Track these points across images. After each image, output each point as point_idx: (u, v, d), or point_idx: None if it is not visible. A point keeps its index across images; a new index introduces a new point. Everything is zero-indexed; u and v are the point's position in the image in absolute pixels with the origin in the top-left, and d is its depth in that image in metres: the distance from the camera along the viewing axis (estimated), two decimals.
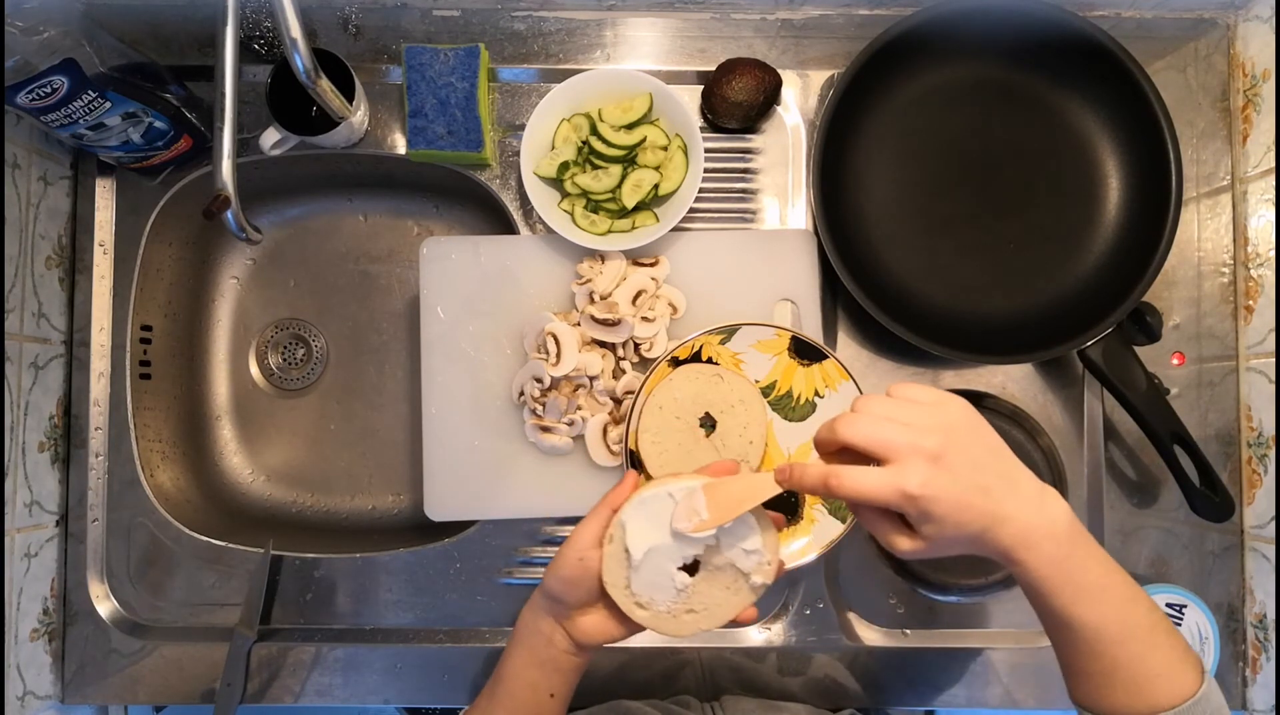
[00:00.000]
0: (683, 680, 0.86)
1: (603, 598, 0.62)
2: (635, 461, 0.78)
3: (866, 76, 0.81)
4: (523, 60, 0.88)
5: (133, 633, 0.85)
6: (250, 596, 0.85)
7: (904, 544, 0.53)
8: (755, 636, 0.86)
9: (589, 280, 0.82)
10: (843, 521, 0.79)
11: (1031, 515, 0.51)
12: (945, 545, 0.52)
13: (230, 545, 0.86)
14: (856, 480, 0.51)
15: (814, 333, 0.82)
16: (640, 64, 0.88)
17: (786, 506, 0.80)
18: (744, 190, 0.87)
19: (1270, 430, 0.83)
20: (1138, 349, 0.80)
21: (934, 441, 0.50)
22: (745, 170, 0.87)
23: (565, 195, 0.84)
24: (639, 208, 0.82)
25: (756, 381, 0.80)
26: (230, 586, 0.86)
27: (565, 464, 0.83)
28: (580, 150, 0.83)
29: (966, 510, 0.50)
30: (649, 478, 0.76)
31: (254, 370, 0.98)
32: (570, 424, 0.81)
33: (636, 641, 0.85)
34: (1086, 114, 0.84)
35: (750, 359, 0.80)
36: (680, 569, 0.61)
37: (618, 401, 0.82)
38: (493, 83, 0.87)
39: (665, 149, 0.82)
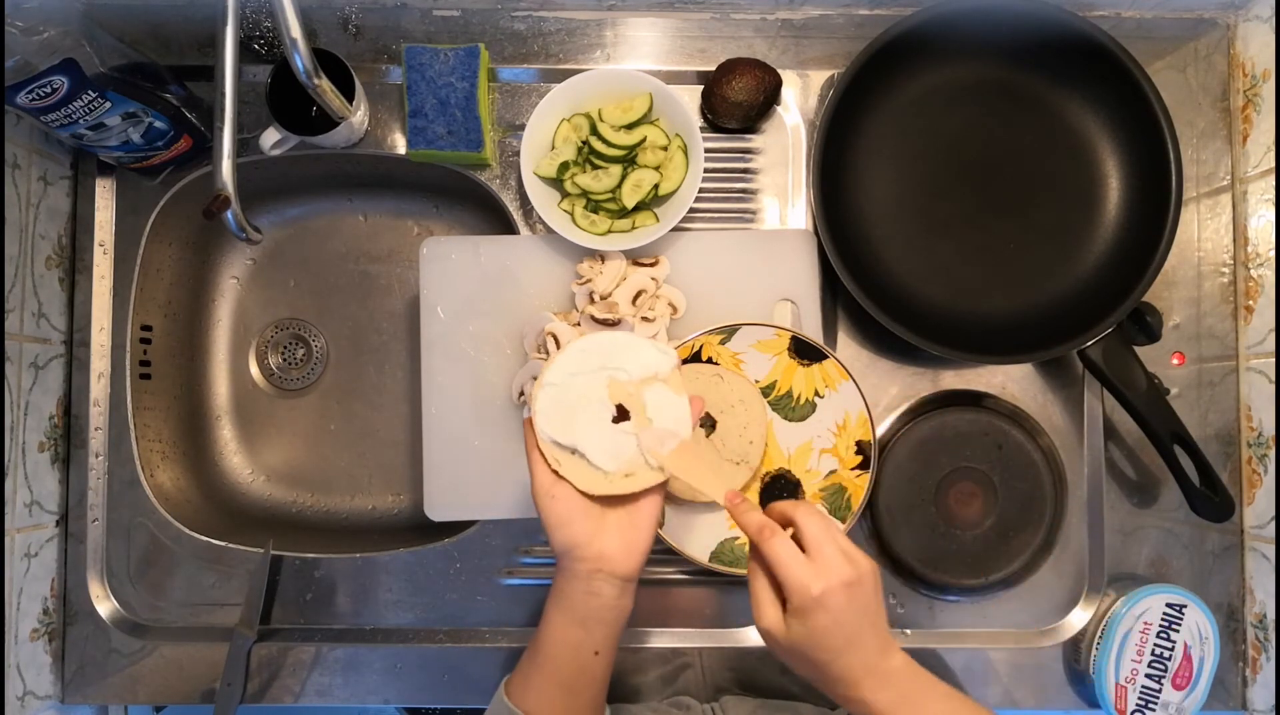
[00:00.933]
0: (682, 681, 0.86)
1: (606, 512, 0.63)
2: None
3: (866, 76, 0.81)
4: (523, 60, 0.88)
5: (133, 633, 0.85)
6: (250, 596, 0.85)
7: (768, 619, 0.59)
8: (755, 636, 0.86)
9: (589, 280, 0.82)
10: (842, 521, 0.79)
11: (879, 667, 0.58)
12: (795, 652, 0.58)
13: (230, 545, 0.86)
14: (782, 549, 0.58)
15: (814, 333, 0.82)
16: (640, 64, 0.88)
17: None
18: (744, 190, 0.87)
19: (1270, 430, 0.83)
20: (1138, 349, 0.80)
21: (852, 572, 0.57)
22: (745, 170, 0.87)
23: (565, 195, 0.84)
24: (639, 208, 0.82)
25: (756, 381, 0.80)
26: (230, 586, 0.86)
27: None
28: (580, 150, 0.83)
29: (837, 636, 0.57)
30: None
31: (254, 370, 0.98)
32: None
33: (636, 641, 0.85)
34: (1086, 114, 0.84)
35: (750, 359, 0.80)
36: (617, 421, 0.63)
37: None
38: (493, 83, 0.87)
39: (665, 149, 0.82)
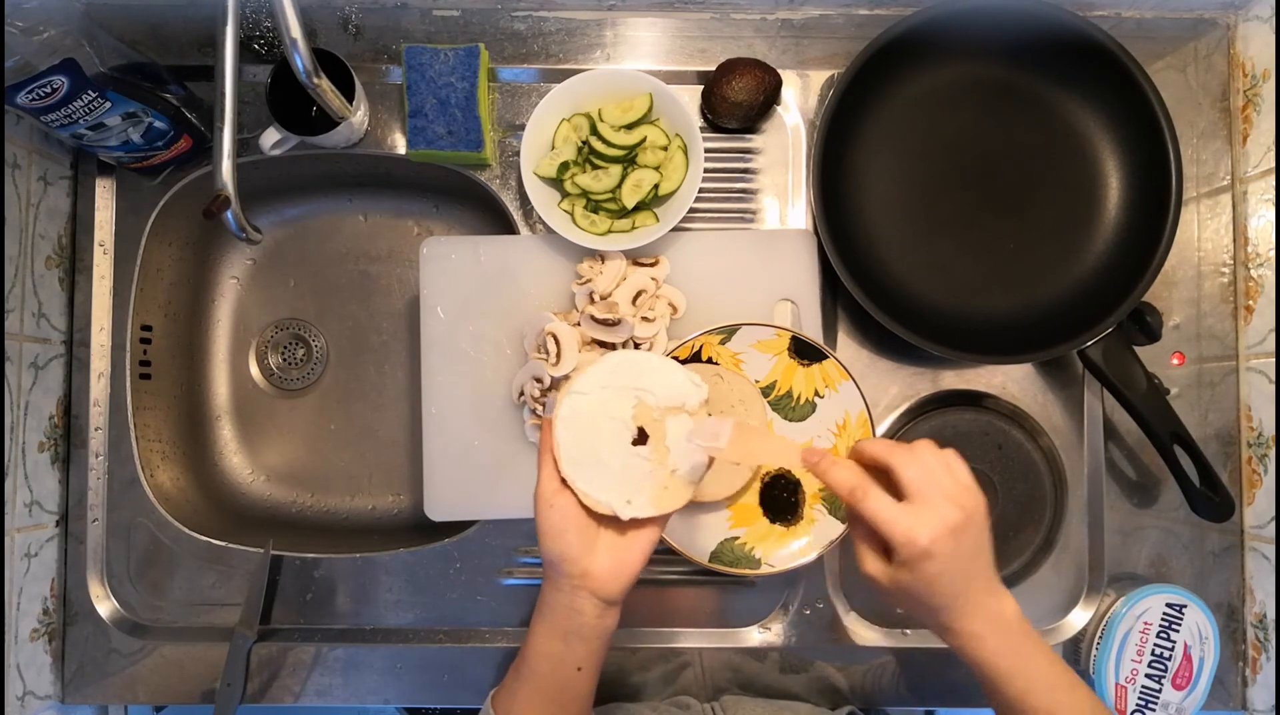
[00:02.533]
0: (682, 681, 0.86)
1: (601, 531, 0.62)
2: None
3: (866, 76, 0.81)
4: (523, 60, 0.88)
5: (133, 633, 0.85)
6: (250, 596, 0.85)
7: (873, 567, 0.58)
8: (755, 636, 0.86)
9: (589, 280, 0.82)
10: (843, 522, 0.79)
11: (992, 609, 0.57)
12: (906, 597, 0.57)
13: (230, 545, 0.86)
14: (879, 504, 0.55)
15: (814, 333, 0.82)
16: (640, 64, 0.88)
17: (787, 507, 0.80)
18: (744, 190, 0.87)
19: (1270, 430, 0.83)
20: (1138, 349, 0.80)
21: (959, 516, 0.55)
22: (745, 170, 0.87)
23: (565, 195, 0.84)
24: (639, 208, 0.82)
25: (756, 381, 0.80)
26: (230, 586, 0.86)
27: None
28: (580, 150, 0.83)
29: (948, 583, 0.56)
30: None
31: (254, 370, 0.98)
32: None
33: (636, 641, 0.85)
34: (1086, 114, 0.84)
35: (750, 359, 0.80)
36: (636, 443, 0.62)
37: None
38: (493, 83, 0.87)
39: (665, 149, 0.82)
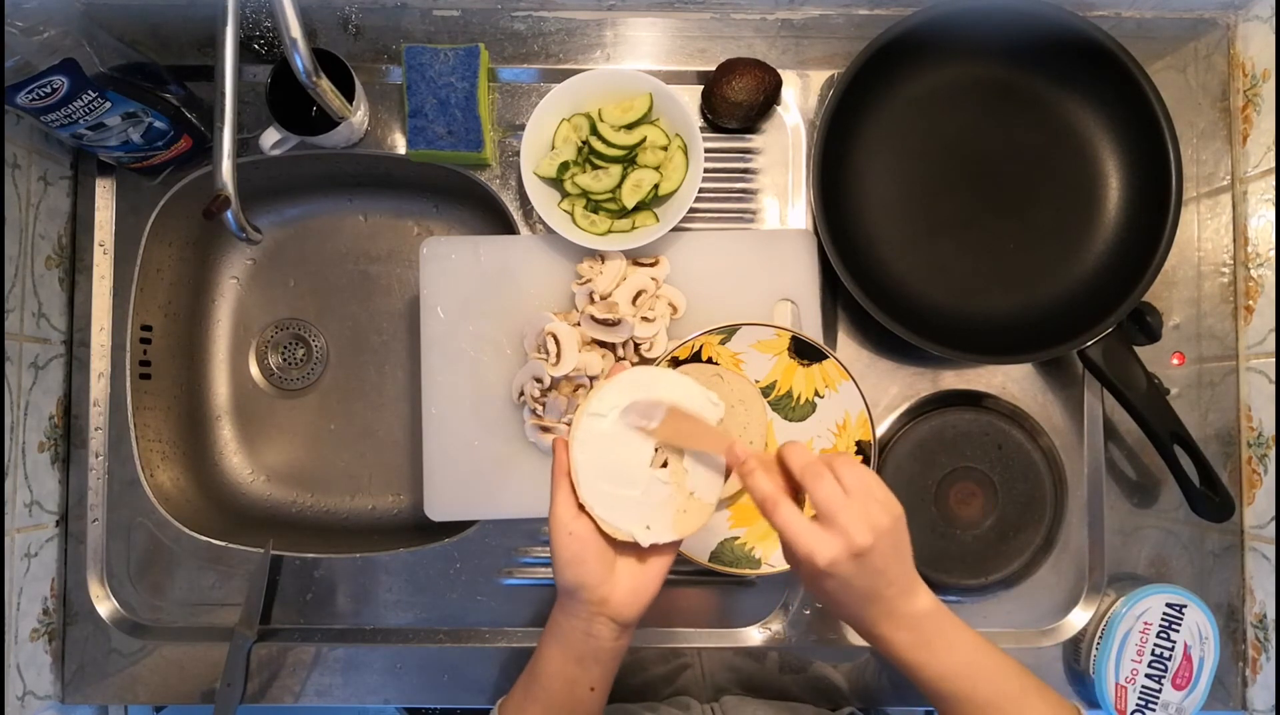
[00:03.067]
0: (682, 681, 0.86)
1: (618, 557, 0.61)
2: None
3: (866, 76, 0.81)
4: (523, 60, 0.88)
5: (133, 633, 0.85)
6: (250, 596, 0.85)
7: (796, 569, 0.59)
8: (755, 636, 0.86)
9: (589, 280, 0.82)
10: None
11: (901, 610, 0.58)
12: (818, 599, 0.61)
13: (230, 545, 0.86)
14: (787, 519, 0.56)
15: (814, 333, 0.82)
16: (640, 64, 0.88)
17: None
18: (744, 190, 0.87)
19: (1270, 430, 0.83)
20: (1138, 349, 0.80)
21: (865, 539, 0.55)
22: (745, 170, 0.87)
23: (565, 195, 0.84)
24: (639, 208, 0.82)
25: (756, 381, 0.80)
26: (230, 586, 0.86)
27: None
28: (580, 150, 0.83)
29: (847, 598, 0.57)
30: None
31: (254, 370, 0.98)
32: (570, 424, 0.81)
33: (636, 641, 0.85)
34: (1086, 114, 0.84)
35: (750, 359, 0.80)
36: (657, 467, 0.61)
37: None
38: (493, 83, 0.87)
39: (665, 149, 0.82)
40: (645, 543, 0.60)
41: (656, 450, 0.61)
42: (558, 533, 0.60)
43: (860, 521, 0.55)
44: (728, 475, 0.63)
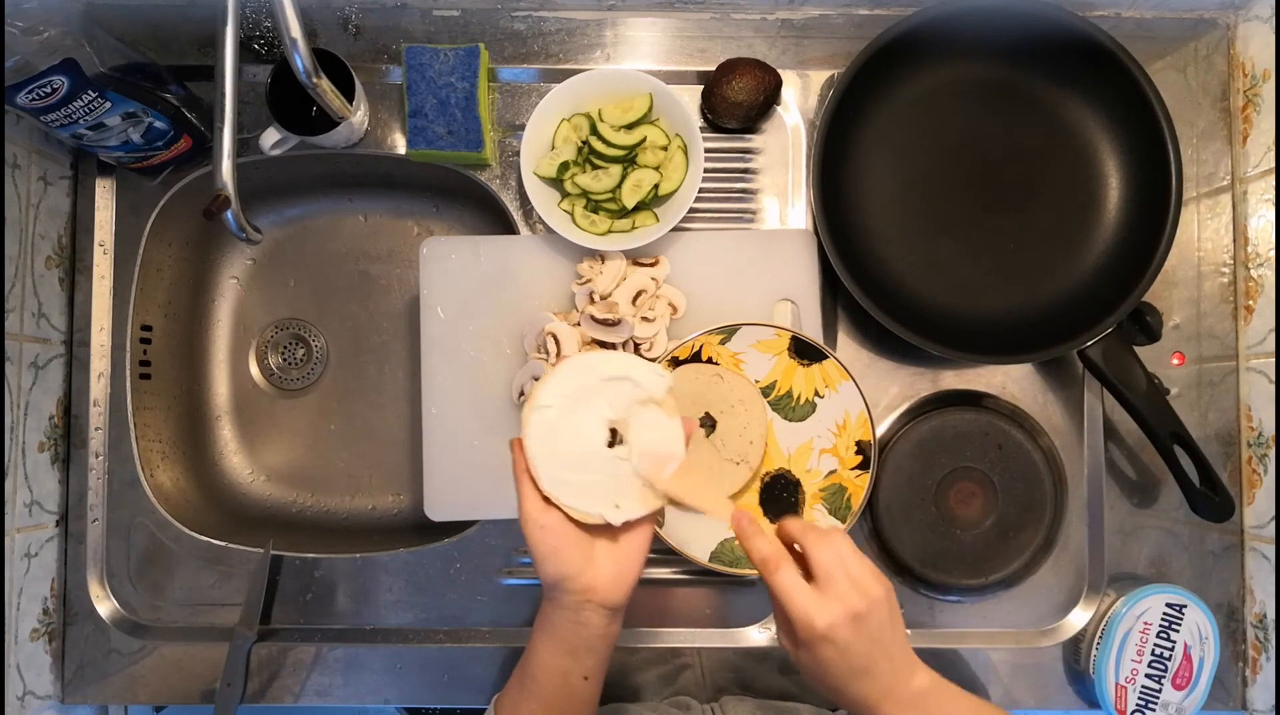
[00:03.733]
0: (682, 681, 0.86)
1: (595, 542, 0.61)
2: None
3: (866, 76, 0.81)
4: (523, 60, 0.88)
5: (133, 633, 0.85)
6: (250, 596, 0.85)
7: (784, 640, 0.59)
8: (755, 636, 0.86)
9: (589, 280, 0.82)
10: (842, 521, 0.79)
11: (900, 688, 0.57)
12: (806, 674, 0.58)
13: (230, 545, 0.86)
14: (787, 581, 0.56)
15: (814, 333, 0.82)
16: (640, 64, 0.88)
17: (787, 507, 0.80)
18: (744, 190, 0.87)
19: (1270, 430, 0.83)
20: (1138, 349, 0.80)
21: (861, 604, 0.55)
22: (745, 170, 0.87)
23: (565, 195, 0.84)
24: (639, 208, 0.82)
25: (756, 381, 0.80)
26: (230, 586, 0.86)
27: None
28: (580, 150, 0.83)
29: (844, 667, 0.56)
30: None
31: (254, 370, 0.98)
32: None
33: (637, 642, 0.85)
34: (1086, 114, 0.84)
35: (750, 359, 0.80)
36: (611, 445, 0.61)
37: None
38: (493, 83, 0.87)
39: (665, 149, 0.82)
40: (617, 522, 0.60)
41: (611, 431, 0.61)
42: (529, 529, 0.60)
43: (858, 584, 0.56)
44: (687, 442, 0.63)
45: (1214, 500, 0.79)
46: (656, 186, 0.82)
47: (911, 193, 0.85)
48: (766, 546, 0.58)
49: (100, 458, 0.86)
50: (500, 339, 0.84)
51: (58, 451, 0.85)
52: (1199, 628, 0.81)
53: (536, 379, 0.80)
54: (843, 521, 0.79)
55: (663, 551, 0.80)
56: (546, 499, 0.60)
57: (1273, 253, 0.84)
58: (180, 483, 0.92)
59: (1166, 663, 0.81)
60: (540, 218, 0.80)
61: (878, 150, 0.85)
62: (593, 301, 0.81)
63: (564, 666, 0.61)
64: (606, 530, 0.61)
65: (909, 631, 0.85)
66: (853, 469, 0.80)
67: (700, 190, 0.81)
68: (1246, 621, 0.86)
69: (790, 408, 0.81)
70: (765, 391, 0.80)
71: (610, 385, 0.62)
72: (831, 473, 0.80)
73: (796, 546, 0.59)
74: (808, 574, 0.57)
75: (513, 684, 0.64)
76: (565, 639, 0.61)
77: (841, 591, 0.55)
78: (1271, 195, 0.83)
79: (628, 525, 0.61)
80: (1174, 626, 0.81)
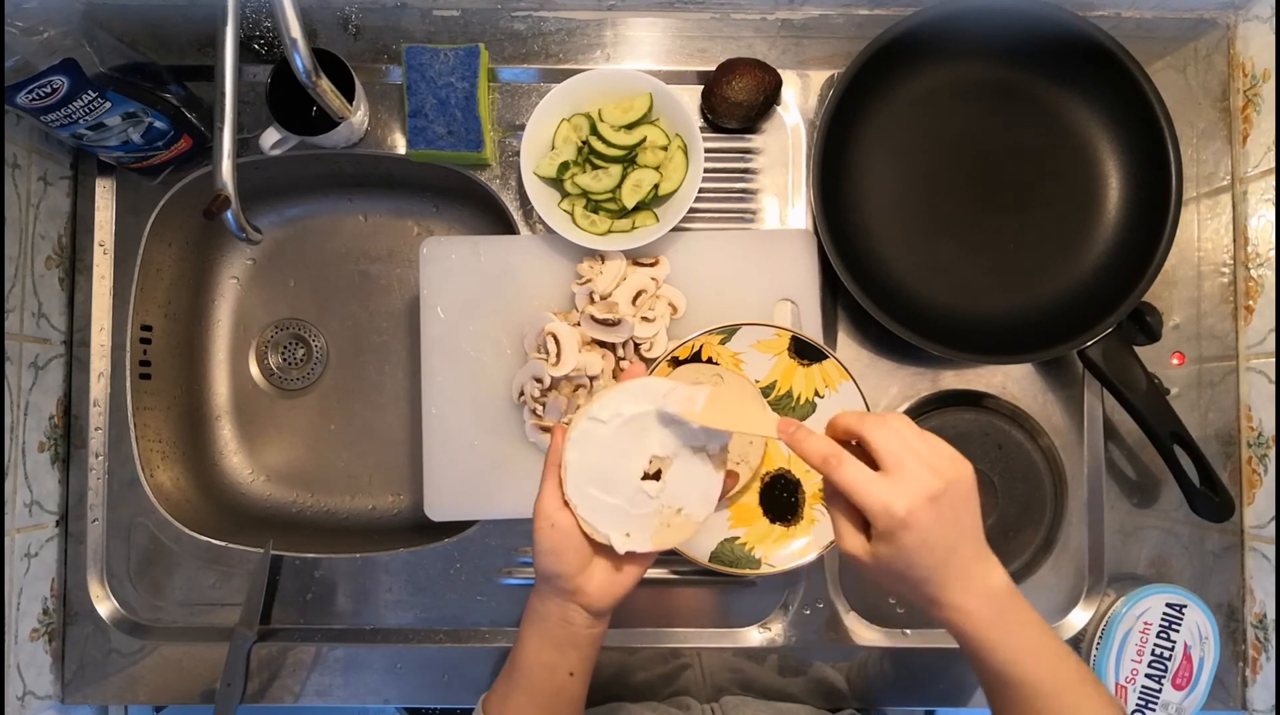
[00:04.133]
0: (682, 681, 0.86)
1: (597, 552, 0.61)
2: None
3: (866, 76, 0.81)
4: (523, 60, 0.88)
5: (133, 633, 0.85)
6: (250, 596, 0.85)
7: (852, 544, 0.55)
8: (755, 636, 0.86)
9: (589, 280, 0.82)
10: None
11: (978, 579, 0.55)
12: (887, 573, 0.54)
13: (230, 545, 0.86)
14: (853, 473, 0.53)
15: (814, 333, 0.82)
16: (640, 64, 0.88)
17: (787, 507, 0.80)
18: (744, 190, 0.87)
19: (1270, 430, 0.83)
20: (1138, 349, 0.80)
21: (937, 484, 0.52)
22: (745, 170, 0.87)
23: (565, 195, 0.84)
24: (639, 208, 0.82)
25: (756, 381, 0.80)
26: (230, 586, 0.86)
27: None
28: (580, 150, 0.83)
29: (928, 554, 0.53)
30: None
31: (254, 370, 0.98)
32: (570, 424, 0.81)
33: (636, 641, 0.85)
34: (1086, 114, 0.84)
35: (750, 359, 0.80)
36: (646, 478, 0.61)
37: None
38: (493, 83, 0.87)
39: (665, 149, 0.82)
40: (621, 550, 0.60)
41: (650, 463, 0.61)
42: (541, 522, 0.60)
43: (930, 465, 0.52)
44: (722, 496, 0.63)
45: (1214, 500, 0.79)
46: (656, 186, 0.82)
47: (912, 192, 0.85)
48: (824, 445, 0.55)
49: (100, 458, 0.86)
50: (500, 339, 0.84)
51: (58, 451, 0.85)
52: (1199, 628, 0.81)
53: (538, 379, 0.80)
54: None
55: (663, 551, 0.79)
56: (565, 502, 0.60)
57: (1273, 253, 0.84)
58: (180, 483, 0.92)
59: (1166, 663, 0.81)
60: (540, 218, 0.80)
61: (878, 150, 0.85)
62: (593, 301, 0.81)
63: (550, 660, 0.62)
64: (610, 551, 0.61)
65: (908, 632, 0.85)
66: None
67: (700, 190, 0.81)
68: (1246, 621, 0.86)
69: (790, 408, 0.81)
70: (765, 391, 0.80)
71: (669, 424, 0.61)
72: None
73: (853, 443, 0.56)
74: (872, 466, 0.53)
75: (500, 681, 0.65)
76: (551, 633, 0.62)
77: (913, 473, 0.52)
78: (1271, 195, 0.83)
79: (631, 555, 0.61)
80: (1174, 626, 0.81)
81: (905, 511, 0.51)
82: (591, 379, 0.81)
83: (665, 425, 0.61)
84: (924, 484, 0.52)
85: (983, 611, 0.54)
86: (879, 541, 0.53)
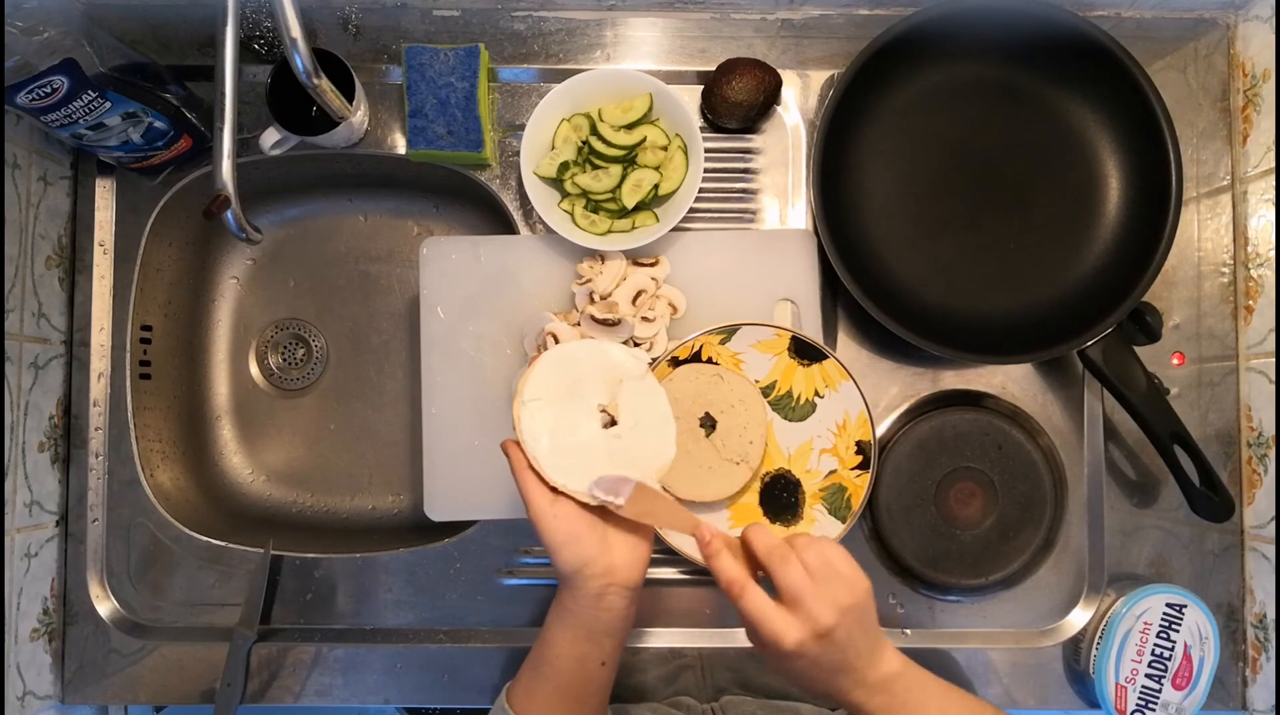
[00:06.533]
0: (682, 681, 0.86)
1: (607, 522, 0.63)
2: None
3: (866, 76, 0.81)
4: (523, 60, 0.88)
5: (133, 633, 0.85)
6: (250, 596, 0.85)
7: (757, 648, 0.60)
8: None
9: (589, 280, 0.82)
10: (842, 521, 0.79)
11: (871, 674, 0.58)
12: (784, 677, 0.60)
13: (230, 545, 0.86)
14: (753, 603, 0.58)
15: (814, 333, 0.82)
16: (640, 64, 0.88)
17: (787, 507, 0.80)
18: (744, 190, 0.87)
19: (1270, 430, 0.83)
20: (1138, 349, 0.80)
21: (829, 619, 0.56)
22: (745, 170, 0.87)
23: (565, 195, 0.84)
24: (639, 208, 0.82)
25: (756, 381, 0.80)
26: (230, 586, 0.86)
27: None
28: (580, 150, 0.83)
29: (819, 672, 0.58)
30: None
31: (254, 370, 0.98)
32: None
33: (636, 641, 0.85)
34: (1086, 114, 0.84)
35: (750, 359, 0.80)
36: (607, 427, 0.64)
37: None
38: (493, 83, 0.87)
39: (665, 149, 0.82)
40: (628, 492, 0.62)
41: (603, 414, 0.64)
42: (542, 521, 0.61)
43: (825, 602, 0.56)
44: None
45: (1214, 500, 0.79)
46: (656, 186, 0.82)
47: (912, 193, 0.85)
48: (731, 569, 0.59)
49: (100, 458, 0.86)
50: (500, 339, 0.84)
51: (58, 451, 0.85)
52: (1199, 628, 0.81)
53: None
54: (842, 522, 0.78)
55: (663, 551, 0.80)
56: (554, 490, 0.61)
57: (1273, 253, 0.84)
58: (180, 483, 0.92)
59: (1166, 663, 0.81)
60: (540, 218, 0.80)
61: (878, 150, 0.85)
62: (593, 301, 0.81)
63: (582, 652, 0.62)
64: (618, 519, 0.63)
65: (908, 632, 0.85)
66: (853, 469, 0.80)
67: (700, 190, 0.81)
68: (1246, 621, 0.86)
69: (790, 408, 0.81)
70: (765, 391, 0.80)
71: (594, 373, 0.64)
72: (831, 473, 0.80)
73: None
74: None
75: (526, 672, 0.65)
76: (585, 625, 0.62)
77: (808, 611, 0.56)
78: (1271, 195, 0.83)
79: (638, 510, 0.63)
80: (1174, 626, 0.81)
81: (794, 646, 0.56)
82: None
83: (591, 374, 0.64)
84: (816, 620, 0.56)
85: (880, 703, 0.58)
86: (770, 660, 0.59)
